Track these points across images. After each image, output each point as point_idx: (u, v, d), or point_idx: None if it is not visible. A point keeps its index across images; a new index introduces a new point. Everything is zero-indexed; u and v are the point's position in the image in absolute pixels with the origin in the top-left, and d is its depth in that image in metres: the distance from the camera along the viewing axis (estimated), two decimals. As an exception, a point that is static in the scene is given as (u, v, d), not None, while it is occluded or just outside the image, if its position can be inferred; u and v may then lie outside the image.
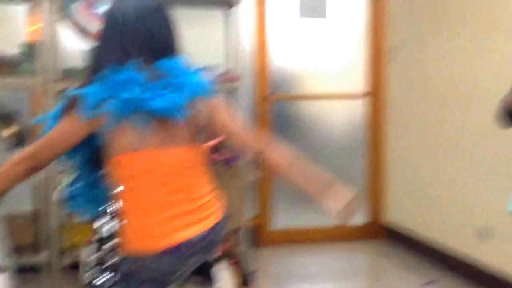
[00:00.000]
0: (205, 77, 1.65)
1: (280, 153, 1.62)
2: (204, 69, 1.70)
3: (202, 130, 1.64)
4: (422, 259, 4.02)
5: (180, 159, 1.61)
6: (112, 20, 1.62)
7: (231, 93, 3.83)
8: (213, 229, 1.66)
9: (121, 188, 1.62)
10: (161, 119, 1.54)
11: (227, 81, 3.90)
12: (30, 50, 3.66)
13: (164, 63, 1.59)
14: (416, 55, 4.15)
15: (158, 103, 1.52)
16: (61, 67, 3.83)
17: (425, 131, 4.05)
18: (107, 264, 2.30)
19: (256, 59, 4.43)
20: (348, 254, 4.31)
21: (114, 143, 1.57)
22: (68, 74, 3.71)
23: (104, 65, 1.56)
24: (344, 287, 3.56)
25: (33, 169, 1.58)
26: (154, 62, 1.58)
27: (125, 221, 1.63)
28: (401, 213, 4.44)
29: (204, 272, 2.46)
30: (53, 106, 1.69)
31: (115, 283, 1.69)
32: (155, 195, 1.60)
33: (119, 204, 1.64)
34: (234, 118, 1.66)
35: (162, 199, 1.61)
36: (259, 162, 1.62)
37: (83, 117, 1.54)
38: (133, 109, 1.52)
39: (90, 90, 1.54)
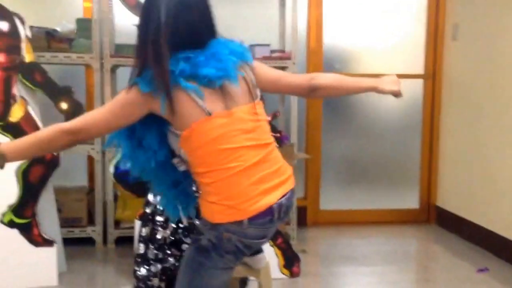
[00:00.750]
0: (244, 46, 1.75)
1: (327, 75, 1.86)
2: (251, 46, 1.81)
3: (254, 89, 1.73)
4: (474, 246, 3.91)
5: (250, 114, 1.67)
6: (153, 12, 1.62)
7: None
8: (292, 193, 1.74)
9: (200, 161, 1.65)
10: (217, 85, 1.61)
11: (281, 59, 3.87)
12: (85, 26, 3.72)
13: (208, 44, 1.66)
14: (479, 34, 3.99)
15: (209, 70, 1.60)
16: (114, 42, 3.88)
17: (485, 113, 3.90)
18: (158, 236, 2.35)
19: (311, 37, 4.37)
20: (397, 237, 4.24)
21: (183, 115, 1.60)
22: (121, 49, 3.76)
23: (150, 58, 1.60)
24: (392, 271, 3.50)
25: (75, 143, 1.64)
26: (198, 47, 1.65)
27: (210, 192, 1.65)
28: (453, 197, 4.33)
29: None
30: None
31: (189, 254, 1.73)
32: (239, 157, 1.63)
33: (201, 178, 1.67)
34: (277, 71, 1.85)
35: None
36: (312, 90, 1.81)
37: (141, 91, 1.58)
38: (186, 78, 1.58)
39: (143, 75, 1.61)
